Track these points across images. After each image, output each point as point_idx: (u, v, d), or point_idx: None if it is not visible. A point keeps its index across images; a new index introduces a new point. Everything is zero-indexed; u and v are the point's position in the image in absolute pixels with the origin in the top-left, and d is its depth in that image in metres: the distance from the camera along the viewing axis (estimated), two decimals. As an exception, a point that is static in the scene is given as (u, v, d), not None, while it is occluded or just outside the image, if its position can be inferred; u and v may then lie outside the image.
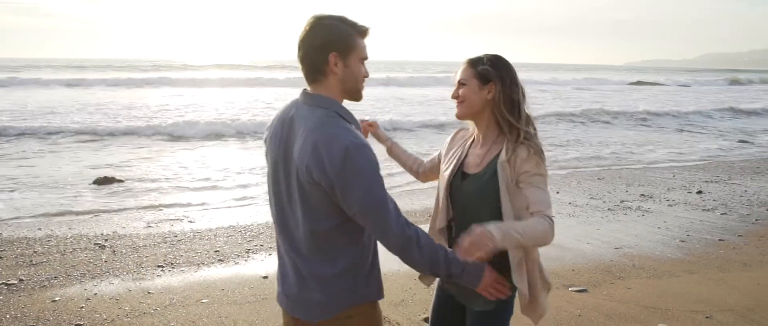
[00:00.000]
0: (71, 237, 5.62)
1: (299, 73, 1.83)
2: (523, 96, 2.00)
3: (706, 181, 8.88)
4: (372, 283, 1.84)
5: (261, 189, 8.13)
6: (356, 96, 1.83)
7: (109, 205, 7.07)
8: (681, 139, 15.18)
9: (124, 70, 47.33)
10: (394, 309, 3.94)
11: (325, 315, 1.78)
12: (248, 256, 5.13)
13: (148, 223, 6.26)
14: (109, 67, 51.58)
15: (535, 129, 1.98)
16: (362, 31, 1.78)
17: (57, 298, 4.10)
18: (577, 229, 6.07)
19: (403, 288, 4.26)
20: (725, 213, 6.83)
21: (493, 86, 1.96)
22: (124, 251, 5.21)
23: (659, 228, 6.20)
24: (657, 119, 19.29)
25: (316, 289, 1.77)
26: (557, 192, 7.76)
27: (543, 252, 2.06)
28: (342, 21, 1.76)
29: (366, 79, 1.84)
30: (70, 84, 29.80)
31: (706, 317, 3.80)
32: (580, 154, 11.89)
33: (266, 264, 4.93)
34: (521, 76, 2.04)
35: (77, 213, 6.68)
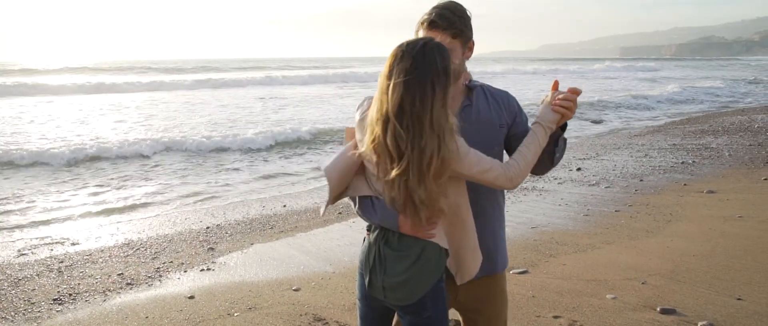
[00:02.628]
0: None
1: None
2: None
3: (581, 159, 9.64)
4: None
5: (152, 210, 7.33)
6: None
7: (-40, 236, 5.91)
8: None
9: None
10: (349, 314, 3.69)
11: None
12: (161, 276, 4.54)
13: (20, 251, 5.32)
14: None
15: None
16: (422, 21, 1.85)
17: (-71, 356, 3.28)
18: (490, 213, 6.21)
19: (351, 291, 4.02)
20: (609, 187, 7.43)
21: None
22: (0, 287, 4.35)
23: (560, 205, 6.56)
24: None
25: None
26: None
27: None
28: (432, 10, 1.86)
29: None
30: None
31: (642, 283, 4.03)
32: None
33: (186, 282, 4.39)
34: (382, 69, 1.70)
35: None
